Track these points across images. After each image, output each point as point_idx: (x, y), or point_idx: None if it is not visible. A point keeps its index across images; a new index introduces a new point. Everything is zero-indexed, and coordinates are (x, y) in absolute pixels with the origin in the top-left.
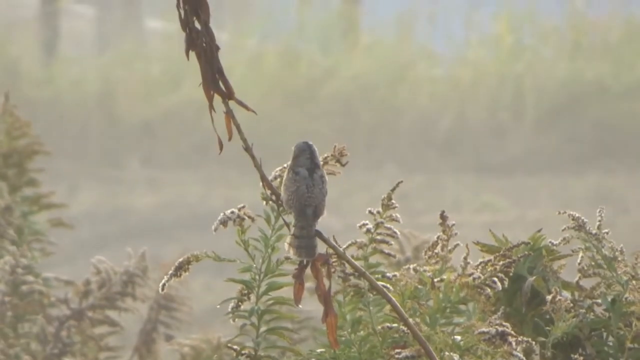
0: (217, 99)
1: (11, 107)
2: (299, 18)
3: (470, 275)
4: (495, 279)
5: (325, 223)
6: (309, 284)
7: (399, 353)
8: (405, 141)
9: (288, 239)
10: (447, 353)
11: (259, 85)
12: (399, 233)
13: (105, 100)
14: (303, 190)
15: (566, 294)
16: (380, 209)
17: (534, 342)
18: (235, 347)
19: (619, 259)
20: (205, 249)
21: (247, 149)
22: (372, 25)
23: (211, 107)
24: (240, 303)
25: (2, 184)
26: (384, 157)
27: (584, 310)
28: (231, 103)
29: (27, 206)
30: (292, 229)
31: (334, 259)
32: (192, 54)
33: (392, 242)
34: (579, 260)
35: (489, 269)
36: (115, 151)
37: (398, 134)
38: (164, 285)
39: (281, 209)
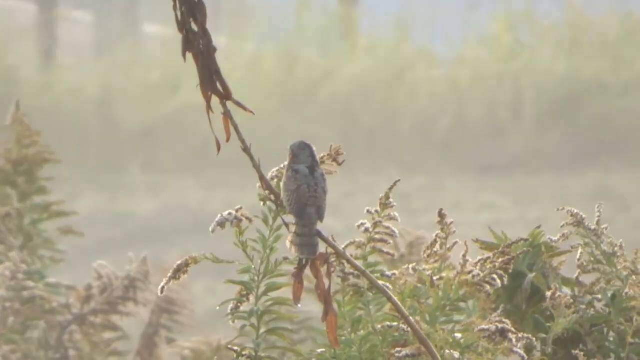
0: (216, 101)
1: (21, 115)
2: (297, 21)
3: (469, 272)
4: (495, 276)
5: (326, 224)
6: (308, 284)
7: (400, 352)
8: (405, 142)
9: (290, 236)
10: (447, 351)
11: (258, 89)
12: (397, 232)
13: (105, 107)
14: (304, 189)
15: (566, 290)
16: (378, 209)
17: (534, 339)
18: (235, 348)
19: (619, 254)
20: (207, 252)
21: (246, 149)
22: (371, 27)
23: (209, 108)
24: (239, 304)
25: (12, 192)
26: (384, 159)
27: (584, 306)
28: (230, 104)
29: (37, 214)
30: (294, 227)
31: (334, 259)
32: (190, 56)
33: (391, 241)
34: (578, 257)
35: (488, 266)
36: (115, 157)
37: (398, 135)
38: (163, 288)
39: (280, 208)
